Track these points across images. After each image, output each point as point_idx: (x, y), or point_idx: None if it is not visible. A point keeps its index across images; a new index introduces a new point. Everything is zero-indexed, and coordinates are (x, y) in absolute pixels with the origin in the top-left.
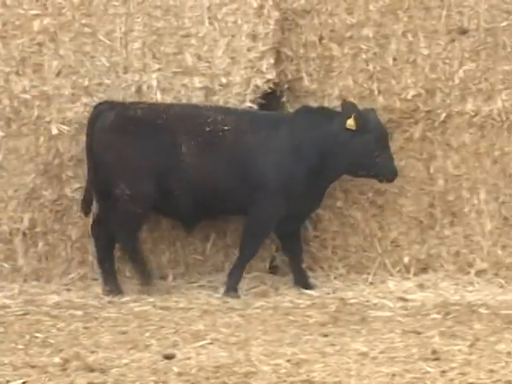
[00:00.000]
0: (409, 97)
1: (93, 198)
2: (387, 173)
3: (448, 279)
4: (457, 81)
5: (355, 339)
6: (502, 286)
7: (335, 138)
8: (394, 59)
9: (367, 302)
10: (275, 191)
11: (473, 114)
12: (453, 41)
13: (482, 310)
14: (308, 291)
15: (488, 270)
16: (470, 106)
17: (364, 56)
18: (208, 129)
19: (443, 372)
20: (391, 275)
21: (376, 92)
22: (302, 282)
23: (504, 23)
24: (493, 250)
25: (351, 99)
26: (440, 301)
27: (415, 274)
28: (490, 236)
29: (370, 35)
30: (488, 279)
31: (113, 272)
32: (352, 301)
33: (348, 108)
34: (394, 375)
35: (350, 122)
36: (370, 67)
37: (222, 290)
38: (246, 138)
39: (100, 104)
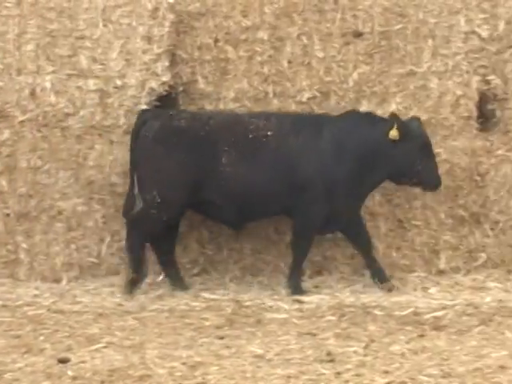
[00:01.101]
0: (304, 99)
1: (134, 202)
2: (429, 181)
3: (343, 281)
4: (351, 83)
5: (251, 341)
6: (396, 288)
7: (377, 145)
8: (289, 62)
9: (263, 304)
10: (319, 193)
11: None
12: (347, 44)
13: (377, 312)
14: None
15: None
16: (364, 109)
17: (259, 58)
18: (251, 136)
19: (338, 373)
20: (286, 277)
21: (271, 95)
22: (379, 276)
23: (398, 26)
24: (387, 251)
25: (246, 101)
26: (335, 303)
27: (310, 277)
28: (385, 238)
29: (265, 38)
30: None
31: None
32: (247, 303)
33: (391, 119)
34: (289, 377)
35: (393, 133)
36: (265, 70)
37: (284, 291)
38: (289, 141)
39: (145, 111)
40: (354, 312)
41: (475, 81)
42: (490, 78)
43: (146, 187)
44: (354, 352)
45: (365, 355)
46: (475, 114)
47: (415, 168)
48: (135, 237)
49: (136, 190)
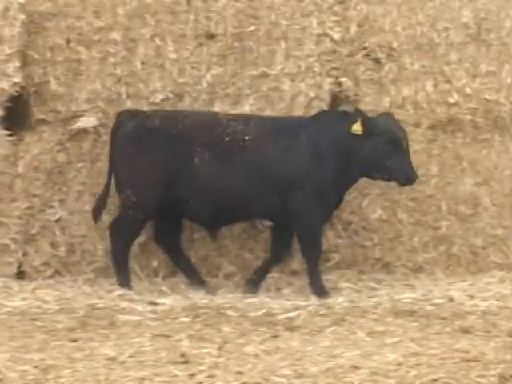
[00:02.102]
0: (157, 101)
1: (104, 205)
2: (400, 177)
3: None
4: (204, 85)
5: (104, 344)
6: None
7: (348, 142)
8: (142, 63)
9: (116, 306)
10: (306, 194)
11: None
12: (200, 45)
13: (231, 313)
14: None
15: (236, 272)
16: (217, 110)
17: (112, 60)
18: (227, 139)
19: (192, 375)
20: (140, 279)
21: (124, 96)
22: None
23: (251, 28)
24: (241, 252)
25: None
26: (189, 304)
27: (164, 278)
28: (238, 239)
29: (118, 39)
30: (236, 282)
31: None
32: (100, 305)
33: (355, 113)
34: (143, 379)
35: (356, 127)
36: (118, 71)
37: (314, 298)
38: (267, 146)
39: (122, 112)
40: (208, 313)
41: (327, 83)
42: (341, 79)
43: (122, 187)
44: (208, 353)
45: (218, 356)
46: None
47: (383, 163)
48: (118, 239)
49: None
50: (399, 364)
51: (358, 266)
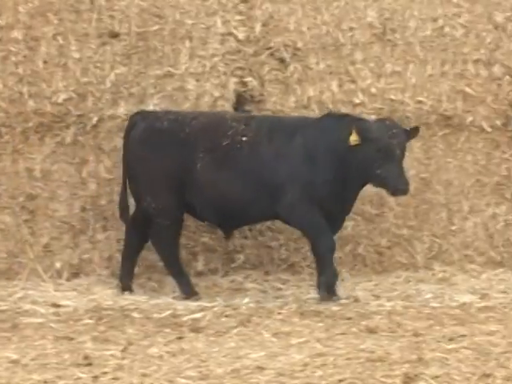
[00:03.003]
0: (60, 100)
1: (127, 206)
2: (389, 186)
3: (101, 284)
4: (108, 84)
5: (6, 347)
6: (154, 290)
7: (342, 148)
8: (45, 62)
9: (19, 308)
10: (298, 196)
11: (125, 117)
12: (104, 44)
13: (135, 315)
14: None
15: (141, 273)
16: (121, 110)
17: (14, 59)
18: (225, 142)
19: (95, 377)
20: (43, 281)
21: (26, 96)
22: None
23: (155, 27)
24: (146, 254)
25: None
26: (92, 306)
27: (68, 279)
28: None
29: (20, 37)
30: (141, 283)
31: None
32: (3, 308)
33: (350, 123)
34: (45, 382)
35: (353, 138)
36: (20, 70)
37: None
38: (262, 147)
39: (136, 114)
40: (112, 315)
41: (232, 82)
42: (246, 79)
43: (140, 194)
44: (112, 355)
45: (123, 358)
46: None
47: (374, 172)
48: (162, 252)
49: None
50: (305, 364)
51: (263, 266)
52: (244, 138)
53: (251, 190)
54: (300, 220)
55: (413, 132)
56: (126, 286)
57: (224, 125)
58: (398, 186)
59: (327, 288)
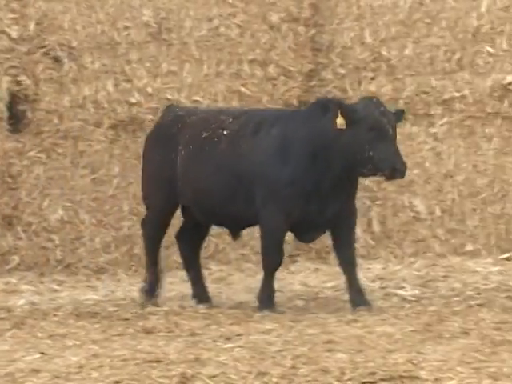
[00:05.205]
0: None
1: None
2: (385, 167)
3: None
4: None
5: None
6: None
7: (324, 136)
8: None
9: None
10: (266, 195)
11: None
12: None
13: None
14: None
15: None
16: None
17: None
18: (204, 135)
19: None
20: None
21: None
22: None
23: None
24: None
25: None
26: None
27: None
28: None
29: None
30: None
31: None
32: None
33: (334, 106)
34: None
35: (339, 121)
36: None
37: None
38: (240, 141)
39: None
40: None
41: (6, 81)
42: (20, 78)
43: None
44: None
45: None
46: (6, 114)
47: (365, 154)
48: (150, 247)
49: None
50: (81, 366)
51: (38, 267)
52: (225, 132)
53: (227, 186)
54: (262, 227)
55: (398, 114)
56: (202, 299)
57: (212, 119)
58: (395, 165)
59: (260, 301)
